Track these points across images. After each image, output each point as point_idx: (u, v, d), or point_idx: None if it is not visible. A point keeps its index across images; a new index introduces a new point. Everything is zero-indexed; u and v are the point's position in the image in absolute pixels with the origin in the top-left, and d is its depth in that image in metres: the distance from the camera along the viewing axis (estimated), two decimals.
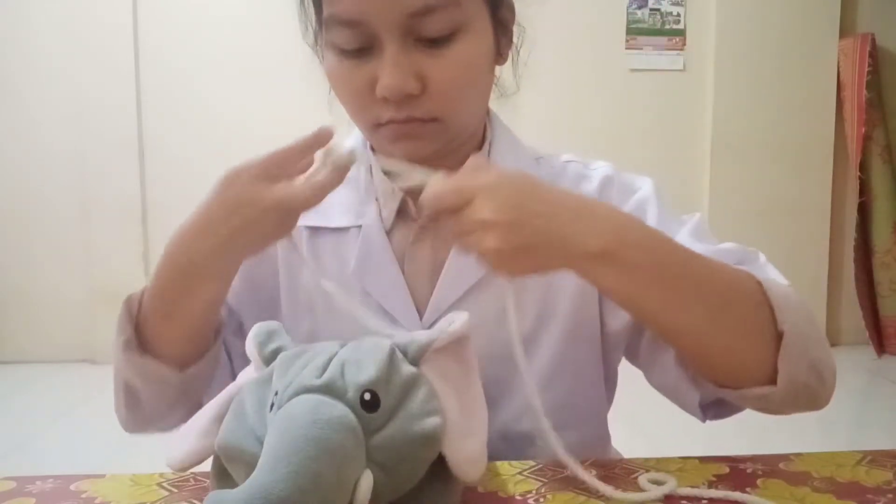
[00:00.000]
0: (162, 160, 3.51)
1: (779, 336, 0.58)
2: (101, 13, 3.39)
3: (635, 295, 0.56)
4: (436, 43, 0.65)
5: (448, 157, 0.72)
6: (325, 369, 0.48)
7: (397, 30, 0.64)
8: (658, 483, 0.57)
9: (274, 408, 0.47)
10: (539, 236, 0.53)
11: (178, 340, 0.66)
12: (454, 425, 0.49)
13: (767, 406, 0.61)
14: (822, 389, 0.61)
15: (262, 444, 0.45)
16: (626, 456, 0.68)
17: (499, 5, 0.71)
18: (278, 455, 0.43)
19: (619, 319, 0.73)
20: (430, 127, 0.67)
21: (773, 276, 0.66)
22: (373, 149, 0.76)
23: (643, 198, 0.75)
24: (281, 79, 3.10)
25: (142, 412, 0.70)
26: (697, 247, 0.66)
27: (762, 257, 0.70)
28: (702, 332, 0.58)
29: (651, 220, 0.72)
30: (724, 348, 0.59)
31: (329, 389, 0.46)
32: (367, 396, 0.46)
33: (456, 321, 0.52)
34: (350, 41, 0.65)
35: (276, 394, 0.48)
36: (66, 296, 3.47)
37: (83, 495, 0.57)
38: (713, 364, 0.61)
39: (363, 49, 0.65)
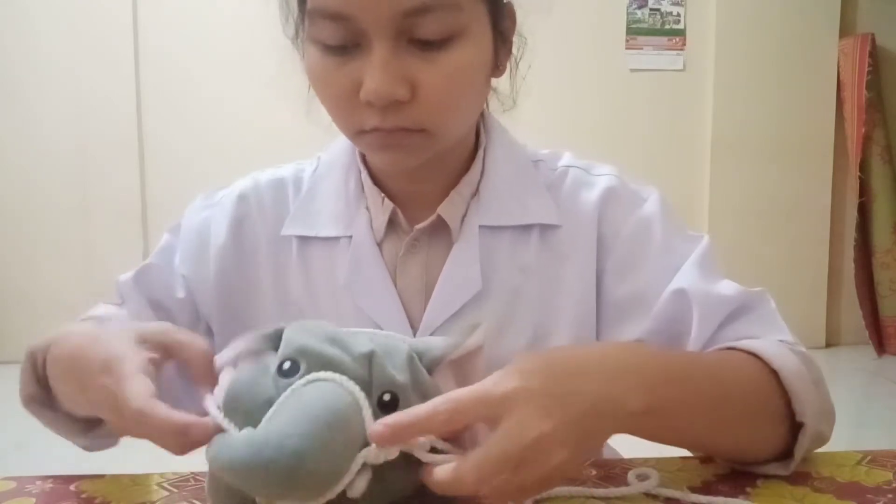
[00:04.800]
0: (162, 159, 3.51)
1: (795, 422, 0.58)
2: (102, 12, 3.40)
3: (674, 434, 0.56)
4: (430, 46, 0.59)
5: (435, 167, 0.69)
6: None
7: (389, 28, 0.58)
8: (642, 478, 0.57)
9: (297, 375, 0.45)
10: (588, 418, 0.47)
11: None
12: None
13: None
14: (822, 443, 0.62)
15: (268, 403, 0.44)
16: (626, 456, 0.68)
17: (500, 15, 0.66)
18: (296, 413, 0.41)
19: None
20: (417, 137, 0.63)
21: (778, 328, 0.65)
22: (363, 157, 0.72)
23: (648, 216, 0.71)
24: (281, 78, 3.09)
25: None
26: (700, 285, 0.65)
27: (771, 303, 0.67)
28: (727, 442, 0.58)
29: (655, 242, 0.70)
30: (743, 448, 0.58)
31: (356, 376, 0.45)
32: (387, 398, 0.45)
33: (474, 334, 0.51)
34: (334, 36, 0.60)
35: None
36: (66, 296, 3.47)
37: (83, 495, 0.57)
38: (727, 457, 0.61)
39: (348, 46, 0.60)
